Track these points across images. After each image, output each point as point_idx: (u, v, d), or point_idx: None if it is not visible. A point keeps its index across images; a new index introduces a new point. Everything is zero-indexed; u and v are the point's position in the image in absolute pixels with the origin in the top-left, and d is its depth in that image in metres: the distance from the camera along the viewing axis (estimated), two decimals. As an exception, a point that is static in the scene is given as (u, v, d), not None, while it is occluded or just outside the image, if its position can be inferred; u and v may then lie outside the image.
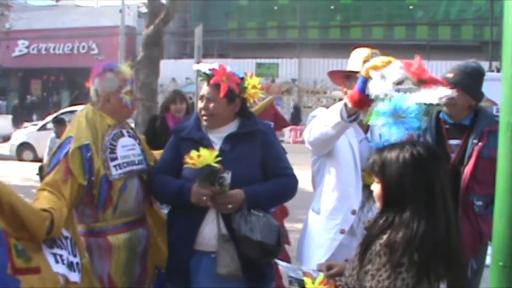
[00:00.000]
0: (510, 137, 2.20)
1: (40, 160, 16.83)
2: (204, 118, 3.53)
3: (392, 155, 2.52)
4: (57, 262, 3.13)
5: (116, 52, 29.62)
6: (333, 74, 3.83)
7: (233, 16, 37.11)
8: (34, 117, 33.39)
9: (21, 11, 26.30)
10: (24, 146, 18.75)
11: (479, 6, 30.93)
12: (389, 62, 2.87)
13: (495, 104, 10.45)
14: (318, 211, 3.66)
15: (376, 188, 2.60)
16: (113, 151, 3.54)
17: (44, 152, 17.09)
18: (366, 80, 2.91)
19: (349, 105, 3.05)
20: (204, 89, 3.53)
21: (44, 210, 3.09)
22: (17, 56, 38.30)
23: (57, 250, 3.17)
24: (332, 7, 35.13)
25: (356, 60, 3.60)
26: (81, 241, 3.49)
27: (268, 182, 3.55)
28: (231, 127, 3.58)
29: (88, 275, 3.44)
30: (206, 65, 3.60)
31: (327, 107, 3.50)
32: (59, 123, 12.11)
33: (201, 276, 3.46)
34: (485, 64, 23.82)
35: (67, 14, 36.20)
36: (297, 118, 28.79)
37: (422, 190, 2.48)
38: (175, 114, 6.77)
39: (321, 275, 2.65)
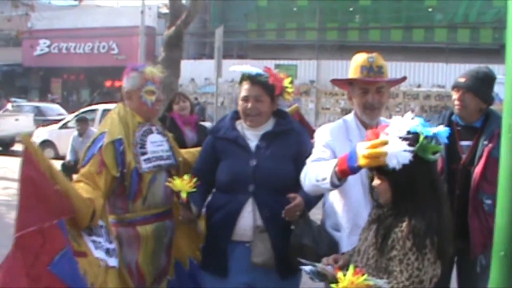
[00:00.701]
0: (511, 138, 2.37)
1: (62, 158, 17.15)
2: (251, 117, 3.75)
3: None
4: (96, 248, 3.40)
5: (136, 52, 29.86)
6: (335, 81, 3.88)
7: (252, 17, 37.23)
8: (55, 115, 33.77)
9: (43, 10, 26.63)
10: (45, 144, 18.95)
11: (499, 9, 30.75)
12: (384, 143, 2.79)
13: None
14: (336, 228, 3.66)
15: (380, 184, 2.85)
16: (143, 146, 3.80)
17: (65, 150, 17.49)
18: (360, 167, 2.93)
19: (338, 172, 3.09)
20: (250, 89, 3.73)
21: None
22: (38, 55, 38.66)
23: (95, 238, 3.44)
24: (350, 8, 35.17)
25: (355, 66, 3.62)
26: (112, 230, 3.72)
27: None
28: (268, 125, 3.81)
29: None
30: (243, 67, 3.84)
31: (343, 110, 3.72)
32: (82, 121, 12.39)
33: (234, 264, 3.68)
34: (502, 68, 23.87)
35: (88, 14, 36.49)
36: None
37: (428, 184, 2.83)
38: (180, 113, 6.92)
39: (351, 266, 2.77)
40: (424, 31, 33.80)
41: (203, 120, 25.50)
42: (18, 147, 18.94)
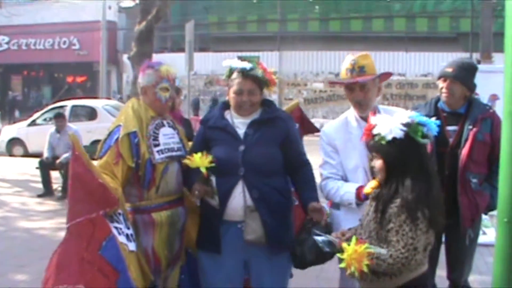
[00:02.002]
0: (511, 122, 2.72)
1: (31, 155, 17.12)
2: (244, 109, 4.02)
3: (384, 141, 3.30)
4: (119, 234, 3.69)
5: (98, 47, 29.69)
6: (331, 83, 4.45)
7: (213, 10, 37.25)
8: (17, 113, 33.40)
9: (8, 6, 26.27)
10: (14, 142, 18.89)
11: (455, -1, 31.60)
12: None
13: (476, 94, 11.00)
14: (337, 207, 4.24)
15: (377, 163, 3.35)
16: (156, 138, 4.05)
17: (34, 147, 17.46)
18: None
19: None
20: (243, 83, 3.98)
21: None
22: (-3, 52, 38.14)
23: (116, 224, 3.71)
24: (311, 0, 35.48)
25: (343, 68, 4.19)
26: (129, 217, 3.98)
27: (308, 180, 4.11)
28: (255, 114, 4.08)
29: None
30: (233, 61, 4.09)
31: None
32: (60, 117, 12.45)
33: (228, 243, 3.96)
34: (463, 56, 24.44)
35: (47, 9, 35.93)
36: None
37: (418, 163, 3.30)
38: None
39: (354, 237, 3.23)
40: (383, 21, 34.28)
41: (197, 113, 25.69)
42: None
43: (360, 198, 3.89)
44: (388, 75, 4.34)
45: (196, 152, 4.00)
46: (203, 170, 3.85)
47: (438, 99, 4.70)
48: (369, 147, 3.47)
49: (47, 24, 35.59)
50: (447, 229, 4.67)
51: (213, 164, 3.87)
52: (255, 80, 4.00)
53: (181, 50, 19.30)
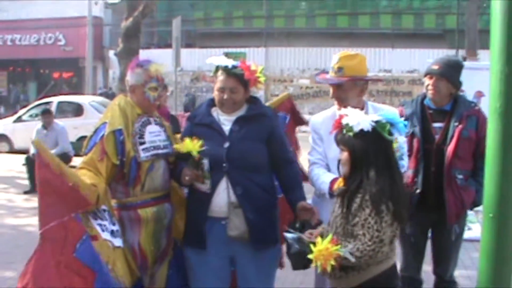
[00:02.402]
0: (497, 118, 2.77)
1: (17, 152, 17.04)
2: (226, 106, 4.05)
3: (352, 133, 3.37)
4: (103, 230, 3.72)
5: (84, 43, 29.62)
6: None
7: (199, 6, 37.25)
8: (2, 109, 33.23)
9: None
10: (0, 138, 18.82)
11: (441, -5, 31.78)
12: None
13: (462, 91, 11.10)
14: (319, 195, 4.31)
15: (343, 155, 3.41)
16: (141, 136, 4.05)
17: (20, 144, 17.36)
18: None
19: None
20: (225, 80, 4.02)
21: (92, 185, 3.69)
22: (-18, 48, 37.90)
23: (100, 221, 3.75)
24: (297, -4, 35.59)
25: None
26: (115, 213, 4.01)
27: (293, 178, 4.16)
28: (241, 110, 4.11)
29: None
30: (219, 58, 4.12)
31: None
32: (47, 114, 12.42)
33: (213, 239, 3.99)
34: (449, 52, 24.57)
35: (33, 5, 35.51)
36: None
37: (382, 158, 3.35)
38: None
39: (330, 235, 3.27)
40: (369, 17, 34.44)
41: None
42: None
43: (332, 189, 3.99)
44: (377, 80, 4.50)
45: (178, 153, 4.07)
46: (195, 153, 3.89)
47: (424, 96, 4.75)
48: (337, 140, 3.52)
49: (33, 20, 35.26)
50: (433, 225, 4.76)
51: (203, 148, 3.90)
52: (238, 78, 4.03)
53: (168, 46, 19.36)
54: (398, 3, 33.95)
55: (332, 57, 4.38)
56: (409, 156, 4.63)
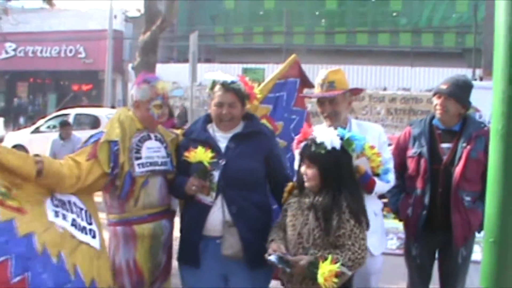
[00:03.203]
0: (499, 140, 2.71)
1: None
2: (224, 123, 4.03)
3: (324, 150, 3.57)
4: (56, 216, 3.62)
5: (104, 56, 29.82)
6: (305, 96, 4.82)
7: (220, 21, 37.44)
8: (21, 119, 33.50)
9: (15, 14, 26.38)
10: (17, 149, 18.77)
11: (461, 14, 31.60)
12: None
13: (478, 110, 11.01)
14: None
15: (311, 171, 3.58)
16: (138, 151, 4.03)
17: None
18: None
19: None
20: (223, 96, 4.00)
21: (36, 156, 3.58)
22: (4, 59, 38.29)
23: (61, 210, 3.69)
24: (317, 12, 35.59)
25: (316, 83, 4.37)
26: (97, 217, 3.97)
27: None
28: (237, 128, 4.09)
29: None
30: (216, 74, 4.12)
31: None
32: (66, 125, 12.48)
33: (208, 258, 3.96)
34: (467, 72, 24.46)
35: (55, 17, 36.17)
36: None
37: (349, 172, 3.64)
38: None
39: (330, 256, 3.34)
40: (389, 35, 34.40)
41: (185, 122, 25.62)
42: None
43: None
44: (359, 90, 4.61)
45: (180, 166, 4.06)
46: (206, 163, 3.85)
47: (433, 116, 4.70)
48: (306, 155, 3.63)
49: (54, 32, 35.79)
50: (440, 246, 4.67)
51: (215, 160, 3.87)
52: (236, 93, 4.01)
53: (187, 60, 19.32)
54: (418, 21, 33.86)
55: (351, 74, 4.36)
56: (416, 176, 4.58)
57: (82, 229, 3.77)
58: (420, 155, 4.57)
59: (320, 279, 3.28)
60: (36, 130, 18.79)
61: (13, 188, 3.45)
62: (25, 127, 23.39)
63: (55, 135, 12.63)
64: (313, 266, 3.37)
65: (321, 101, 4.29)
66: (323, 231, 3.49)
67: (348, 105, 4.37)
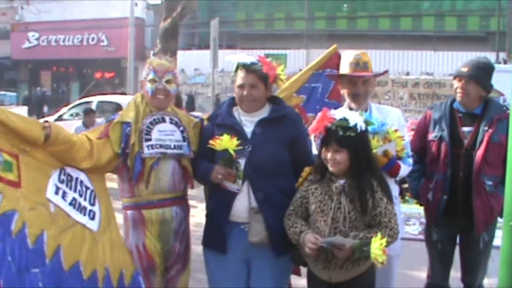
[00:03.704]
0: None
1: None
2: (246, 103, 3.99)
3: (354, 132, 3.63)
4: (56, 193, 3.63)
5: (126, 44, 29.85)
6: (330, 76, 4.62)
7: (241, 7, 37.32)
8: (45, 108, 33.75)
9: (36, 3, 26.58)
10: (41, 137, 19.01)
11: (485, -3, 31.24)
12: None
13: (502, 94, 10.89)
14: None
15: (340, 156, 3.60)
16: (148, 133, 4.05)
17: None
18: None
19: None
20: (245, 77, 3.96)
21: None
22: (27, 48, 38.62)
23: (64, 187, 3.71)
24: (338, -3, 35.38)
25: (345, 62, 4.33)
26: (109, 204, 4.05)
27: None
28: (263, 111, 4.04)
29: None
30: (239, 56, 4.07)
31: None
32: (89, 113, 12.56)
33: (233, 244, 3.95)
34: (491, 56, 24.17)
35: (76, 6, 36.28)
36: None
37: (370, 152, 3.75)
38: None
39: (379, 233, 3.46)
40: (411, 20, 34.05)
41: (192, 110, 25.65)
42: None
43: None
44: (385, 73, 4.76)
45: (203, 151, 4.04)
46: (231, 152, 3.83)
47: (453, 99, 4.64)
48: (334, 140, 3.62)
49: (76, 21, 36.07)
50: (461, 232, 4.63)
51: (241, 147, 3.85)
52: (257, 74, 3.96)
53: (208, 47, 19.33)
54: (441, 5, 33.46)
55: (373, 59, 4.37)
56: (437, 160, 4.54)
57: (82, 209, 3.79)
58: (440, 138, 4.53)
59: (375, 256, 3.36)
60: (59, 118, 18.88)
61: (20, 154, 3.43)
62: (48, 115, 23.54)
63: (78, 122, 12.71)
64: (362, 246, 3.42)
65: (354, 81, 4.26)
66: (359, 213, 3.57)
67: (372, 89, 4.38)
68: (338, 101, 4.92)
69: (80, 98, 22.40)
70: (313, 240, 3.56)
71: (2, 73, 41.16)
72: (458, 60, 29.03)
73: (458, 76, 4.52)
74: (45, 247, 3.46)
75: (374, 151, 3.92)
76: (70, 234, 3.66)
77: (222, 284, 4.06)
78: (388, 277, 4.31)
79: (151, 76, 4.08)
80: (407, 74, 29.18)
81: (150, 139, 4.04)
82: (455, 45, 30.46)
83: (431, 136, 4.63)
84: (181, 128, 4.19)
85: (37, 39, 38.40)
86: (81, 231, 3.75)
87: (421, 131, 4.77)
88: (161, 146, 4.06)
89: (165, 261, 4.18)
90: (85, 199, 3.83)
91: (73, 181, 3.78)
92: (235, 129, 3.96)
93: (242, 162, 3.87)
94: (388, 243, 3.46)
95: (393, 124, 4.20)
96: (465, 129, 4.53)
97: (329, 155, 3.63)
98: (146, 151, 4.02)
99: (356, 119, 3.65)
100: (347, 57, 4.30)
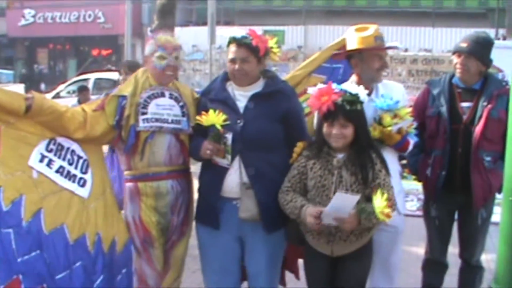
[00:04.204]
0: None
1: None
2: (238, 77, 3.98)
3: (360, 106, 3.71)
4: (40, 161, 3.81)
5: (123, 21, 29.54)
6: (337, 55, 4.57)
7: (238, -17, 37.09)
8: (42, 86, 33.65)
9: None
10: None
11: (485, -27, 30.99)
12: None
13: (501, 70, 10.85)
14: None
15: (347, 130, 3.63)
16: (145, 107, 4.08)
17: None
18: None
19: None
20: (236, 51, 3.95)
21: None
22: (23, 26, 38.28)
23: (51, 155, 3.87)
24: (337, -27, 35.10)
25: (365, 36, 4.23)
26: (105, 173, 4.19)
27: None
28: (257, 86, 4.03)
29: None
30: (230, 30, 4.07)
31: None
32: (84, 90, 12.56)
33: (224, 220, 3.98)
34: (490, 32, 24.00)
35: (73, -18, 36.19)
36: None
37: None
38: None
39: (379, 190, 3.51)
40: (410, -4, 33.85)
41: None
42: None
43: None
44: (394, 48, 4.73)
45: (197, 127, 4.04)
46: (219, 126, 3.84)
47: (452, 75, 4.61)
48: (340, 115, 3.63)
49: (72, -3, 35.69)
50: (459, 207, 4.63)
51: (228, 122, 3.85)
52: (249, 48, 3.95)
53: (206, 24, 19.23)
54: (440, -20, 33.24)
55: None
56: (435, 136, 4.52)
57: (71, 177, 3.93)
58: (439, 114, 4.50)
59: (380, 211, 3.40)
60: (57, 96, 18.87)
61: (2, 126, 3.65)
62: (46, 92, 23.50)
63: (75, 100, 12.69)
64: (365, 209, 3.47)
65: (380, 54, 4.24)
66: (361, 185, 3.62)
67: None
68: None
69: (77, 75, 22.33)
70: (317, 212, 3.54)
71: (-1, 51, 40.96)
72: (457, 36, 28.79)
73: (457, 51, 4.49)
74: (22, 209, 3.66)
75: (389, 128, 3.94)
76: (55, 199, 3.83)
77: (213, 260, 4.07)
78: (391, 251, 4.33)
79: (159, 53, 4.10)
80: (406, 50, 28.97)
81: (146, 113, 4.07)
82: (454, 22, 30.25)
83: (430, 111, 4.60)
84: (181, 104, 4.20)
85: (33, 16, 38.05)
86: (68, 196, 3.91)
87: (419, 107, 4.73)
88: (157, 120, 4.08)
89: (163, 234, 4.21)
90: (76, 168, 3.96)
91: (63, 151, 3.92)
92: (228, 104, 3.97)
93: (229, 137, 3.87)
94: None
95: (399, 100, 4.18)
96: (464, 104, 4.51)
97: (334, 130, 3.64)
98: (141, 124, 4.05)
99: (361, 92, 3.71)
100: (369, 31, 4.25)
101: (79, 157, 4.00)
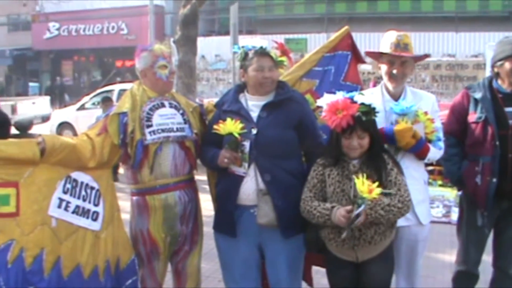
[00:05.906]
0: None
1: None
2: (267, 84, 4.03)
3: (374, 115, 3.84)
4: (59, 207, 3.82)
5: (146, 32, 29.93)
6: (369, 53, 4.50)
7: (260, -8, 37.19)
8: (66, 97, 33.97)
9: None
10: (63, 126, 19.19)
11: (508, -24, 30.74)
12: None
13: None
14: None
15: (364, 141, 3.74)
16: (149, 119, 4.08)
17: (84, 131, 17.59)
18: None
19: None
20: (263, 60, 4.02)
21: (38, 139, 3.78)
22: (48, 38, 38.84)
23: (67, 197, 3.86)
24: (358, -20, 35.06)
25: (386, 41, 4.31)
26: (114, 197, 4.17)
27: None
28: (269, 96, 4.08)
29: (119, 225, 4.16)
30: (254, 40, 4.15)
31: None
32: (107, 101, 12.68)
33: (243, 227, 4.01)
34: (514, 35, 23.75)
35: (95, -5, 36.56)
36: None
37: None
38: None
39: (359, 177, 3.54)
40: (432, 1, 33.66)
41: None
42: (35, 130, 19.13)
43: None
44: (426, 56, 4.54)
45: (210, 138, 4.08)
46: (236, 135, 3.87)
47: (491, 79, 4.53)
48: (358, 127, 3.72)
49: (96, 10, 36.15)
50: (502, 214, 4.52)
51: (245, 130, 3.89)
52: (272, 59, 4.05)
53: (228, 33, 19.30)
54: (462, -15, 33.03)
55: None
56: (482, 142, 4.44)
57: (85, 213, 3.95)
58: (485, 120, 4.41)
59: (366, 195, 3.45)
60: (82, 107, 19.04)
61: (20, 180, 3.64)
62: (70, 104, 23.72)
63: (99, 111, 12.79)
64: (356, 201, 3.55)
65: (392, 61, 4.28)
66: (377, 187, 3.57)
67: (412, 71, 4.38)
68: (354, 82, 4.78)
69: (102, 87, 22.53)
70: (348, 210, 3.57)
71: (25, 63, 41.39)
72: (480, 41, 28.64)
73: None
74: (43, 264, 3.69)
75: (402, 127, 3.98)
76: (71, 241, 3.86)
77: (233, 268, 4.12)
78: (412, 260, 4.29)
79: (162, 63, 4.16)
80: (429, 56, 28.81)
81: (151, 125, 4.08)
82: (477, 26, 30.04)
83: (474, 117, 4.50)
84: (181, 111, 4.25)
85: (58, 29, 38.59)
86: (83, 234, 3.94)
87: (458, 113, 4.65)
88: (163, 130, 4.11)
89: (171, 246, 4.25)
90: (89, 202, 3.98)
91: (78, 187, 3.93)
92: (241, 114, 4.02)
93: (247, 144, 3.91)
94: (399, 209, 3.63)
95: (421, 107, 4.16)
96: (508, 109, 4.41)
97: (353, 142, 3.73)
98: (148, 137, 4.05)
99: (372, 101, 3.83)
100: (389, 37, 4.32)
101: (92, 189, 4.01)
